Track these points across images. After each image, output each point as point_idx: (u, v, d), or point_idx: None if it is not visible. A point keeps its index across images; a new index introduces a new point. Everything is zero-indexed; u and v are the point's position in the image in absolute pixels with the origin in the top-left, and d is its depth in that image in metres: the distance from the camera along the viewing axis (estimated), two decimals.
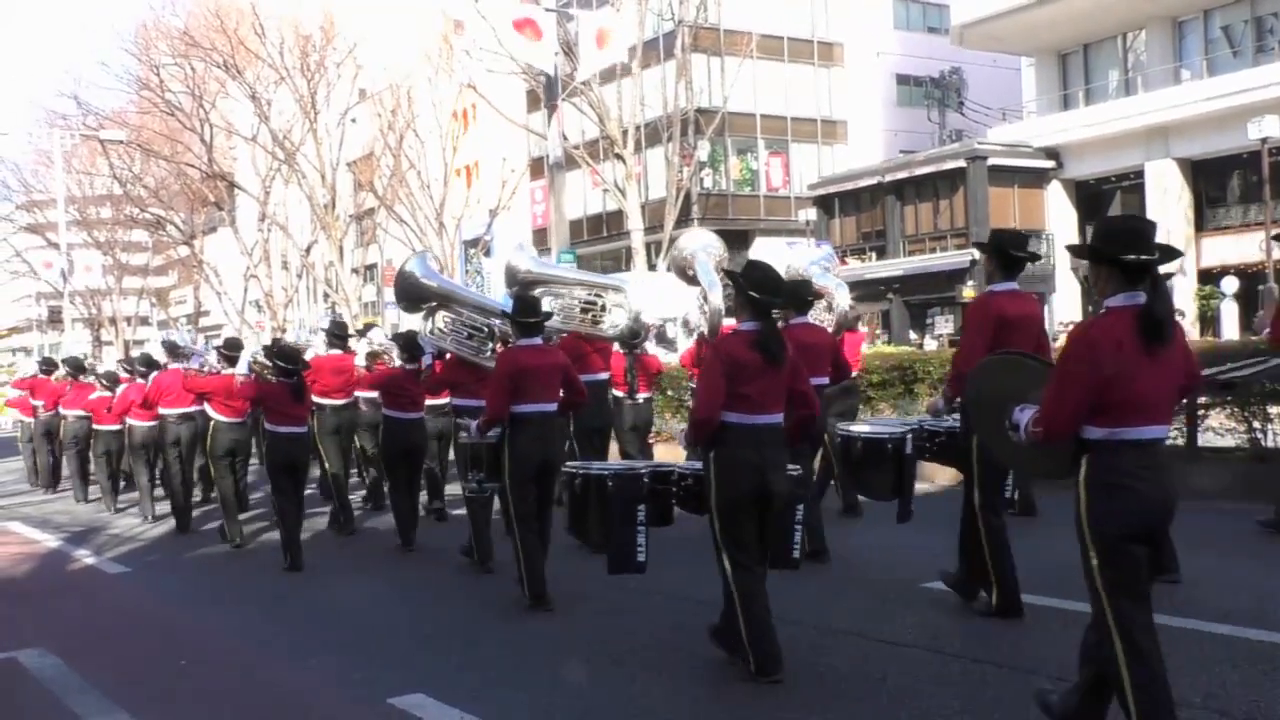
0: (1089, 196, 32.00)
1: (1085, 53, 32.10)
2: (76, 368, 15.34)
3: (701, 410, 5.23)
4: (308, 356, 10.27)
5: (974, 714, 4.48)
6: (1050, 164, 31.55)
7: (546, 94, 19.64)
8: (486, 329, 8.79)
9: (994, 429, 4.37)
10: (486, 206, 37.21)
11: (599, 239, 39.46)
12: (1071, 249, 4.66)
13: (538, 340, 7.09)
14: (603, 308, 9.04)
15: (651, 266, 31.16)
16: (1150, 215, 28.46)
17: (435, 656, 5.95)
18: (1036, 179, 31.90)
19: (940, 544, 7.73)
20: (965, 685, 4.84)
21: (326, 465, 10.65)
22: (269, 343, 10.76)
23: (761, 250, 37.90)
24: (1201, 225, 28.98)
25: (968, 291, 28.73)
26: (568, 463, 6.70)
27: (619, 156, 31.34)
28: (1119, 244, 3.77)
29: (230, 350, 10.71)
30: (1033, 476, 5.33)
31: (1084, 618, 5.80)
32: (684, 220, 35.04)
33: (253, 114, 37.08)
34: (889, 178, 33.78)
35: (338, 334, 11.08)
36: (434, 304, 8.95)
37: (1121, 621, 3.77)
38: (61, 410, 14.63)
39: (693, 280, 8.31)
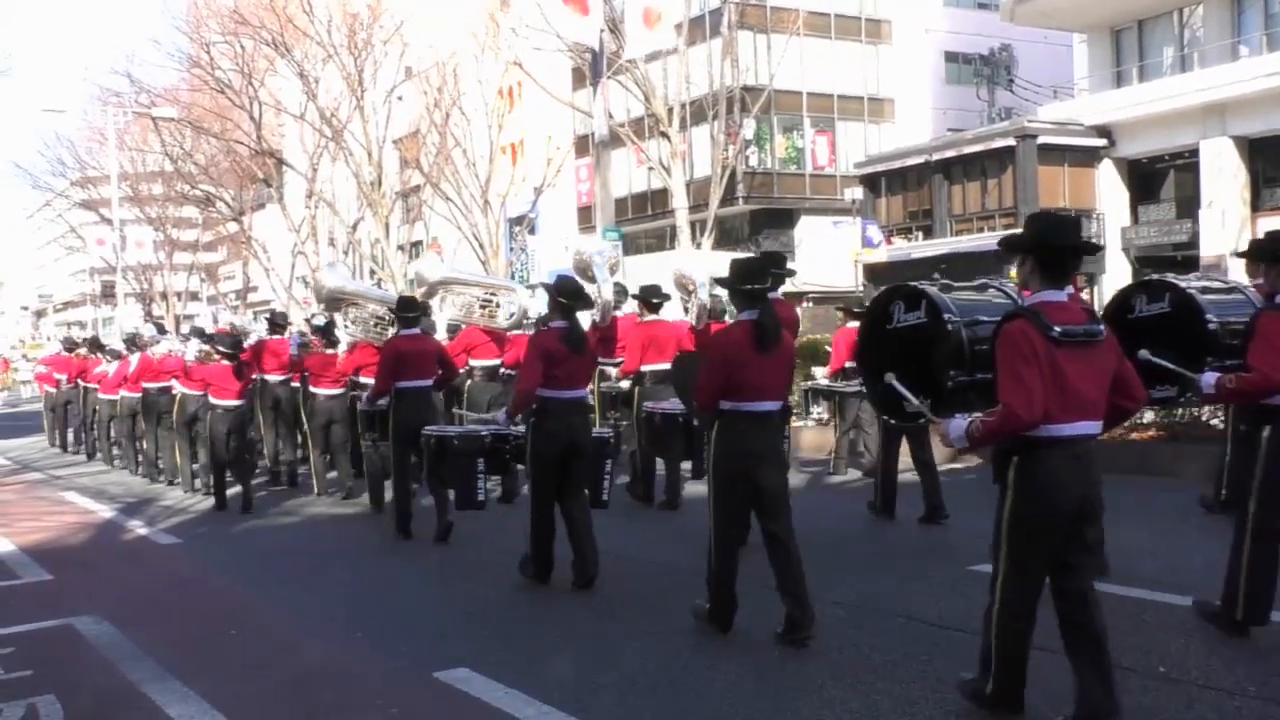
0: (1142, 176, 31.40)
1: (1139, 29, 31.41)
2: (96, 345, 17.35)
3: (520, 387, 6.80)
4: (251, 341, 12.76)
5: None
6: (1102, 142, 30.94)
7: (592, 71, 19.57)
8: (389, 317, 10.47)
9: (686, 400, 6.50)
10: (532, 184, 37.18)
11: (644, 217, 39.38)
12: (716, 279, 6.05)
13: (416, 330, 8.98)
14: (497, 305, 10.86)
15: (696, 245, 31.01)
16: (1205, 195, 28.08)
17: (477, 632, 6.01)
18: (1088, 158, 31.31)
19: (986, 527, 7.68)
20: None
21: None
22: (211, 334, 12.62)
23: (807, 230, 37.72)
24: (1258, 205, 28.32)
25: (1014, 273, 28.28)
26: (425, 427, 8.18)
27: (664, 134, 31.16)
28: (744, 278, 5.50)
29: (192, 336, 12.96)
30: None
31: (1134, 605, 5.78)
32: (729, 199, 34.79)
33: (301, 92, 37.26)
34: (937, 156, 33.32)
35: (278, 322, 13.25)
36: (348, 302, 11.06)
37: (719, 534, 5.49)
38: (81, 383, 16.54)
39: (591, 278, 9.76)
